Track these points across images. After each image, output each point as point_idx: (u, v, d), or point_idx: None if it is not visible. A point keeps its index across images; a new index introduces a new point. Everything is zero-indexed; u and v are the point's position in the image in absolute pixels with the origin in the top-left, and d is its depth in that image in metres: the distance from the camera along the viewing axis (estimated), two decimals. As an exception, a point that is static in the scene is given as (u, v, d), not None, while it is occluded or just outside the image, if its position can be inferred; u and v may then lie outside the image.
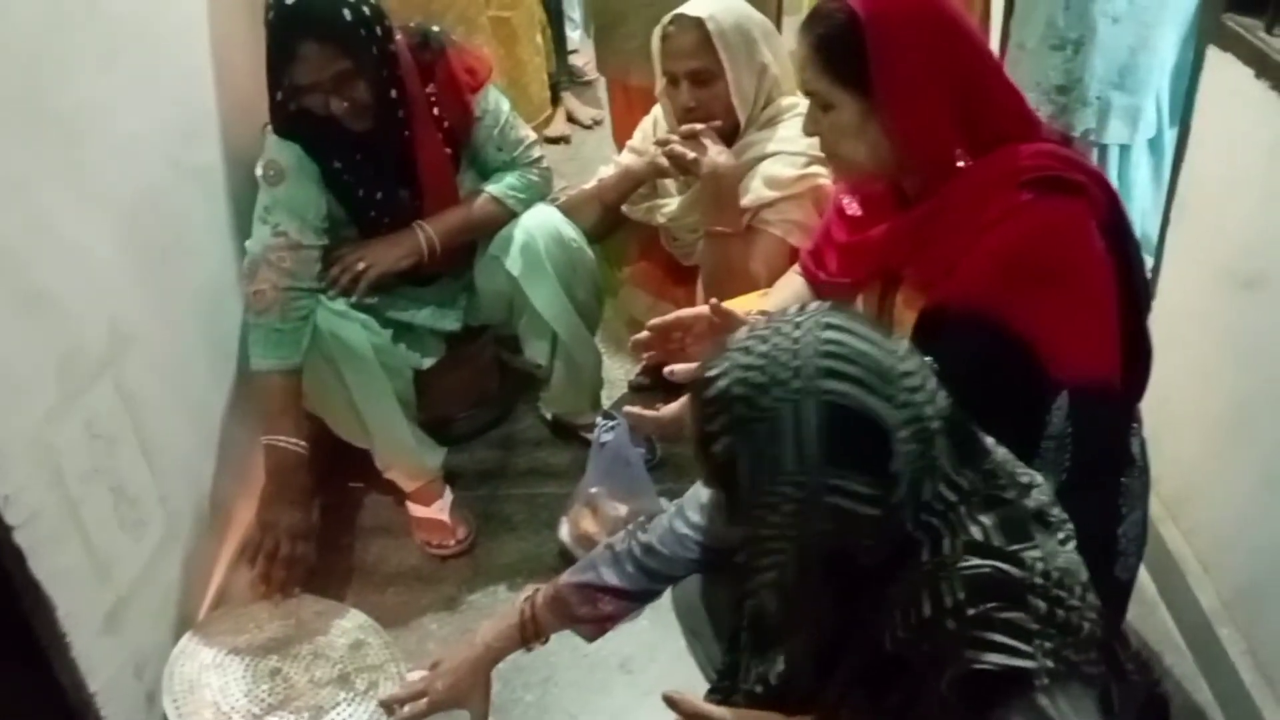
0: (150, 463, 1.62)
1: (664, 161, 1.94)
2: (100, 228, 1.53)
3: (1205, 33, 1.53)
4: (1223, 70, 1.47)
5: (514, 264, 2.02)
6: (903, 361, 0.91)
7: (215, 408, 1.90)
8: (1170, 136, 2.03)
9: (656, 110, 2.12)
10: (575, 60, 3.86)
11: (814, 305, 0.95)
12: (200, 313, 1.84)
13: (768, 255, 1.87)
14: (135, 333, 1.59)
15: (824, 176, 1.86)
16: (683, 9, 1.91)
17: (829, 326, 0.91)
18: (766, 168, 1.91)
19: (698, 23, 1.88)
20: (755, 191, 1.90)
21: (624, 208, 2.12)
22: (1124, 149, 2.10)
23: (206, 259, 1.88)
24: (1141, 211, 2.14)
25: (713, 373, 0.91)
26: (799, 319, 0.92)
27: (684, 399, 1.46)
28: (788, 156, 1.90)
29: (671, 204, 2.08)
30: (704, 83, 1.91)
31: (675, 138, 1.93)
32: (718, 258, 1.90)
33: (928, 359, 0.95)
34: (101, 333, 1.51)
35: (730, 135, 1.94)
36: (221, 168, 1.93)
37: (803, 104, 1.61)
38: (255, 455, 1.88)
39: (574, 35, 3.84)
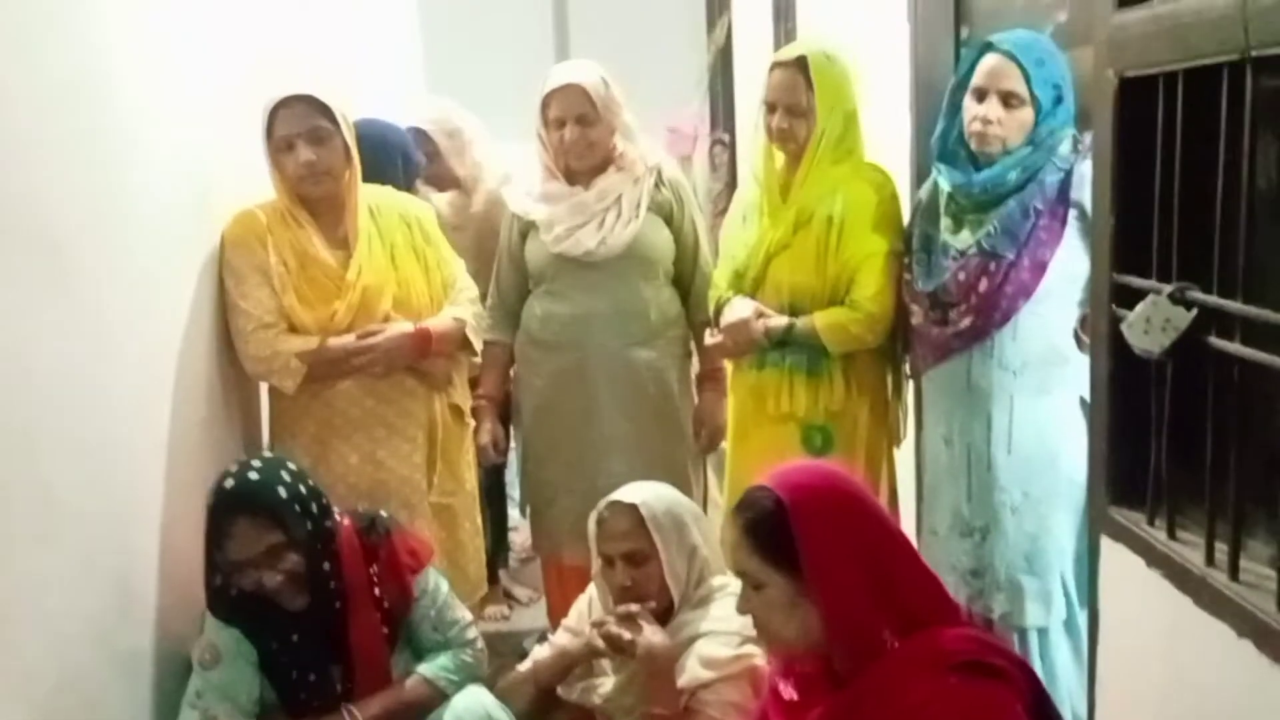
0: None
1: (600, 642, 1.96)
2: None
3: (1095, 523, 1.67)
4: (1116, 558, 1.59)
5: (441, 751, 1.96)
6: None
7: None
8: (1082, 618, 2.11)
9: (591, 590, 2.18)
10: (514, 538, 3.97)
11: None
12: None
13: (706, 738, 1.84)
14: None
15: (759, 656, 1.89)
16: (616, 495, 2.04)
17: None
18: (701, 647, 1.94)
19: (632, 508, 2.00)
20: (691, 672, 1.91)
21: (559, 689, 2.11)
22: (1042, 631, 2.18)
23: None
24: (1069, 692, 2.17)
25: None
26: None
27: None
28: (722, 636, 1.94)
29: (607, 684, 2.07)
30: (638, 564, 2.00)
31: (611, 618, 1.97)
32: (655, 741, 1.87)
33: None
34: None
35: (664, 615, 1.99)
36: (150, 653, 1.91)
37: (734, 584, 1.69)
38: None
39: (514, 513, 3.98)
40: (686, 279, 2.72)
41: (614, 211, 2.60)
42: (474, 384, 2.75)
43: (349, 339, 2.29)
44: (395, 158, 2.75)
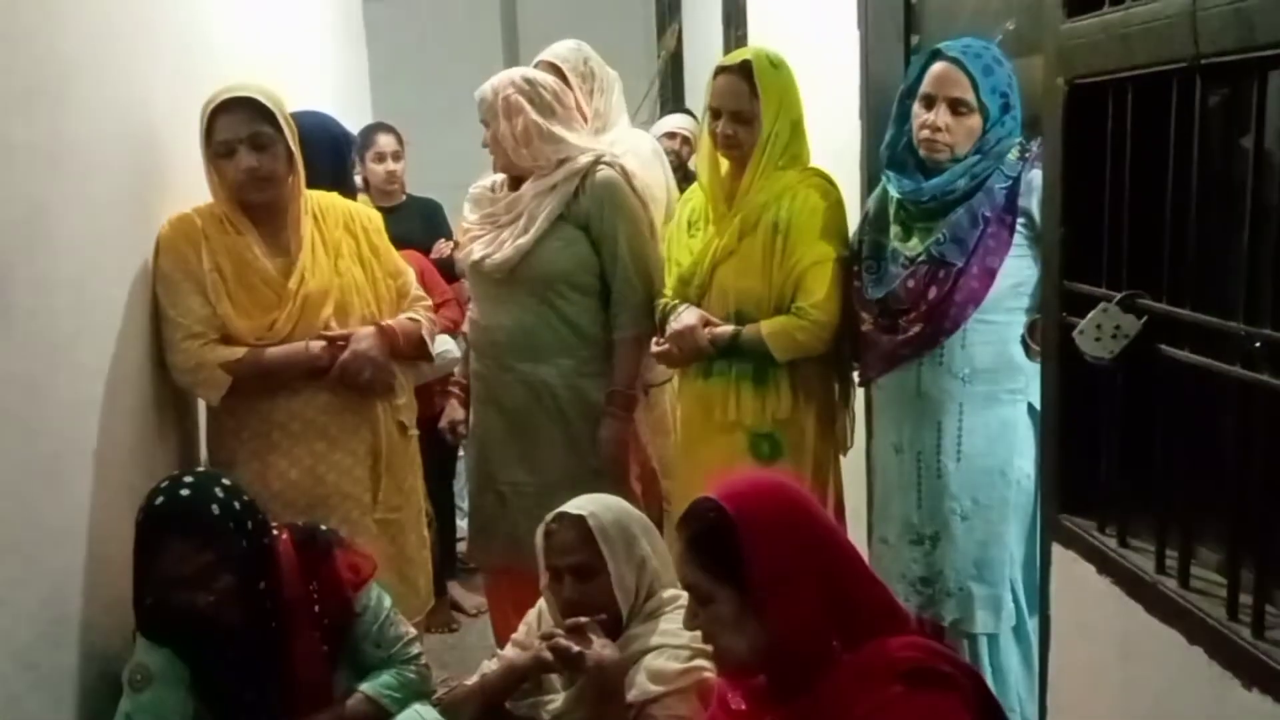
0: None
1: (549, 656, 1.92)
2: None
3: (1046, 530, 1.67)
4: (1068, 566, 1.59)
5: (383, 773, 1.91)
6: None
7: None
8: (1032, 625, 2.12)
9: (541, 604, 2.14)
10: (462, 548, 3.92)
11: None
12: None
13: (655, 753, 1.81)
14: None
15: (709, 670, 1.86)
16: (564, 507, 2.01)
17: None
18: (650, 661, 1.91)
19: (579, 519, 1.97)
20: (640, 686, 1.88)
21: (507, 704, 2.07)
22: (991, 638, 2.18)
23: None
24: (1019, 698, 2.18)
25: None
26: None
27: None
28: (671, 650, 1.91)
29: (557, 700, 2.03)
30: (587, 577, 1.96)
31: (560, 632, 1.94)
32: (604, 757, 1.84)
33: None
34: None
35: (613, 629, 1.96)
36: (79, 675, 1.84)
37: (683, 597, 1.66)
38: None
39: (462, 524, 3.94)
40: (608, 290, 2.60)
41: (517, 224, 2.56)
42: (422, 395, 2.71)
43: (286, 349, 2.23)
44: (338, 148, 2.72)
